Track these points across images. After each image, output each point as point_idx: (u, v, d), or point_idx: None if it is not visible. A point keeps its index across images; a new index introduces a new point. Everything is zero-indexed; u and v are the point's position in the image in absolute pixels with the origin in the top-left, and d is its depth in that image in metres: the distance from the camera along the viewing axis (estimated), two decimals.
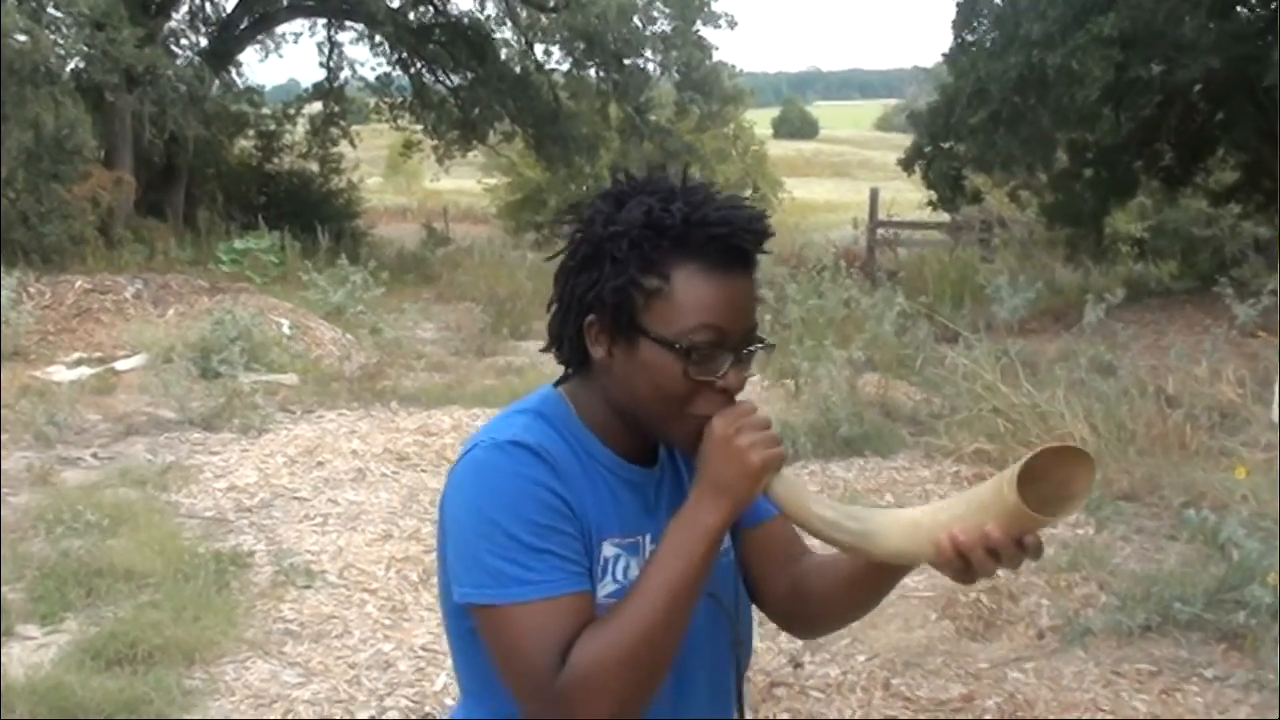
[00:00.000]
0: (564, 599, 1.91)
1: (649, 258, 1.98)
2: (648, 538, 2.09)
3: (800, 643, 6.33)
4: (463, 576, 1.96)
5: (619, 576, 2.04)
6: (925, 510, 2.00)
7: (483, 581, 1.93)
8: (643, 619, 1.89)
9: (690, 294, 1.99)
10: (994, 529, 1.86)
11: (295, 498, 8.92)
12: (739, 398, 2.04)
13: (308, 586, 7.20)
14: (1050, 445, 1.88)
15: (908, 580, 7.04)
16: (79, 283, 16.25)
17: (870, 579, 2.15)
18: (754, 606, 2.33)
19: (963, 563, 1.90)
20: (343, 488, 9.11)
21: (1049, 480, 1.87)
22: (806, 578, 2.24)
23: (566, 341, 2.10)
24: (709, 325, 1.98)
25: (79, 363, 13.52)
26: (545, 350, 2.17)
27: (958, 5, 20.48)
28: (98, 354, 13.97)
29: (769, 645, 6.26)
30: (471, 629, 2.01)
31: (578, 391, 2.13)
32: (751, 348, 2.07)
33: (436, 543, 2.11)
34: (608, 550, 2.04)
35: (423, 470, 9.43)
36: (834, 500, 2.17)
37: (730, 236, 2.00)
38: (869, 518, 2.03)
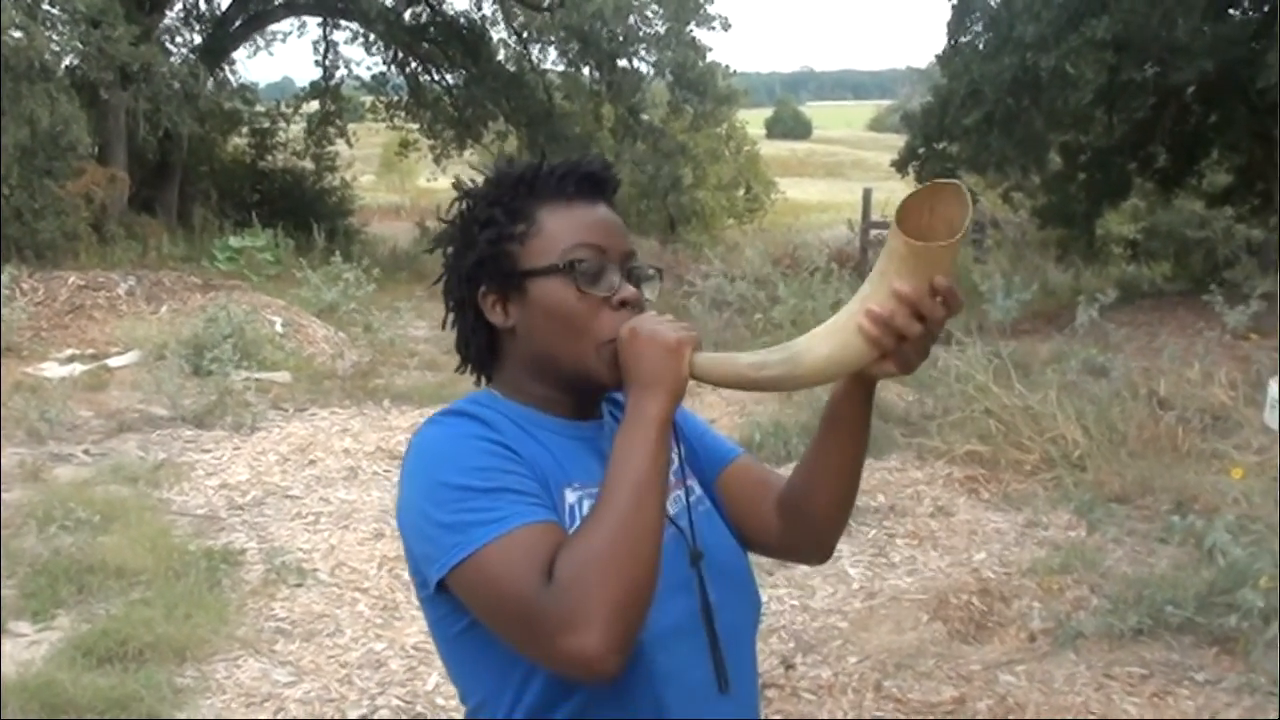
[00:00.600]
0: (533, 527, 1.88)
1: (511, 208, 2.09)
2: None
3: (792, 644, 6.35)
4: (431, 554, 1.93)
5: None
6: (840, 312, 2.01)
7: (448, 544, 1.90)
8: (614, 517, 1.86)
9: (557, 223, 2.08)
10: (900, 284, 1.88)
11: (287, 496, 8.93)
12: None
13: (299, 585, 7.21)
14: (920, 188, 1.92)
15: (900, 582, 7.08)
16: (72, 279, 16.23)
17: (838, 443, 2.16)
18: (764, 554, 2.35)
19: (893, 337, 1.91)
20: (335, 486, 9.12)
21: (938, 220, 1.90)
22: (789, 493, 2.25)
23: (473, 342, 2.17)
24: (584, 244, 2.07)
25: (71, 359, 13.51)
26: (460, 370, 2.25)
27: (952, 7, 20.49)
28: (90, 350, 13.95)
29: (760, 647, 6.25)
30: (460, 630, 2.00)
31: (500, 381, 2.17)
32: (638, 267, 2.13)
33: (408, 569, 2.09)
34: (569, 496, 2.03)
35: None
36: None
37: (580, 169, 2.12)
38: (792, 344, 2.04)
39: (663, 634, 1.96)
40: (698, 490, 2.22)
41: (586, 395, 2.16)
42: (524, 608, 1.83)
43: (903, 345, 1.93)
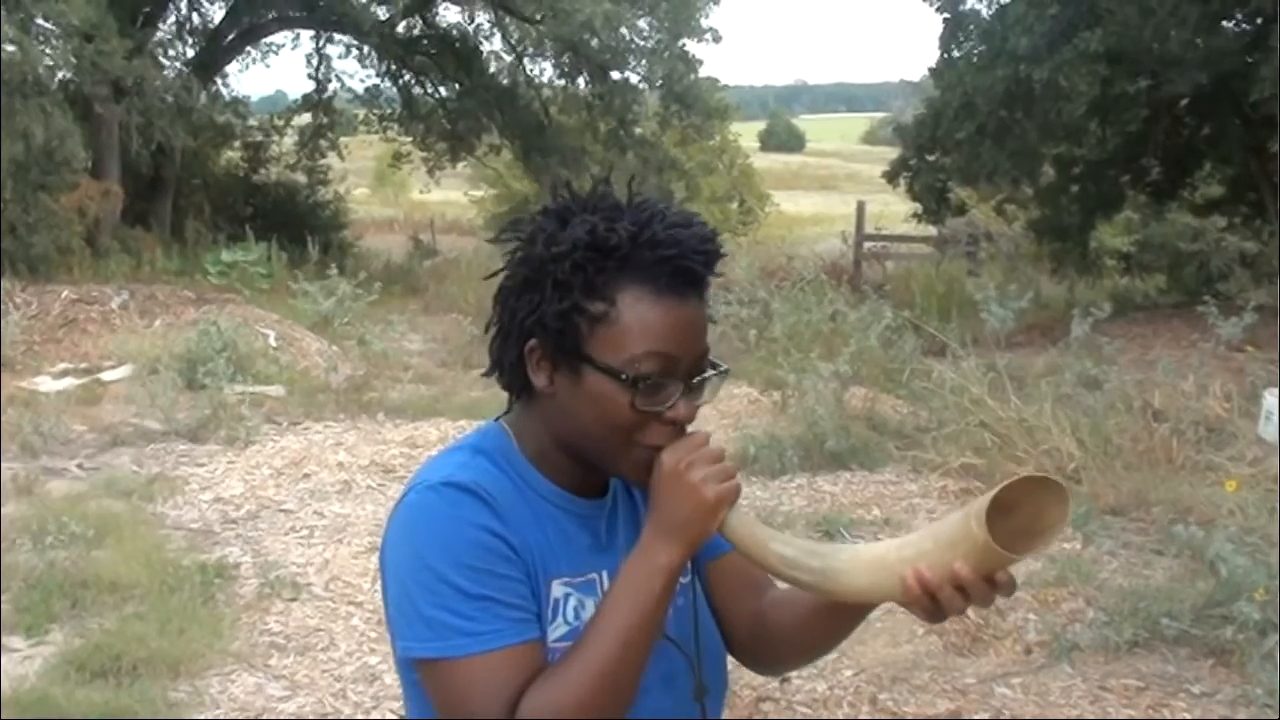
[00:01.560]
0: (510, 650, 1.82)
1: (593, 281, 1.89)
2: (604, 575, 2.01)
3: None
4: (404, 629, 1.88)
5: (570, 618, 1.95)
6: (890, 546, 1.92)
7: (423, 634, 1.84)
8: (595, 665, 1.81)
9: (637, 320, 1.90)
10: (962, 567, 1.79)
11: (281, 509, 8.92)
12: (690, 428, 1.96)
13: (293, 599, 7.20)
14: (1020, 476, 1.80)
15: None
16: (65, 293, 16.23)
17: (834, 616, 2.07)
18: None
19: (930, 601, 1.84)
20: (329, 500, 9.10)
21: (1020, 512, 1.80)
22: (769, 613, 2.16)
23: (508, 367, 2.01)
24: (657, 353, 1.90)
25: (65, 373, 13.50)
26: (487, 375, 2.08)
27: (945, 20, 20.52)
28: (84, 364, 13.95)
29: None
30: (418, 681, 1.94)
31: (520, 423, 2.05)
32: (703, 376, 1.97)
33: (381, 593, 2.04)
34: (557, 590, 1.95)
35: None
36: (792, 536, 2.09)
37: (679, 258, 1.91)
38: (831, 555, 1.95)
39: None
40: (685, 578, 2.11)
41: (601, 476, 2.06)
42: None
43: (936, 605, 1.85)
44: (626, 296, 1.89)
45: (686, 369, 1.93)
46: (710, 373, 1.99)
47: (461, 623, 1.82)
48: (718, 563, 2.15)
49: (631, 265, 1.89)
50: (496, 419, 2.08)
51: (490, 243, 2.14)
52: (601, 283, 1.89)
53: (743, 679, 5.64)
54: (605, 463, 1.98)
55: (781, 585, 2.10)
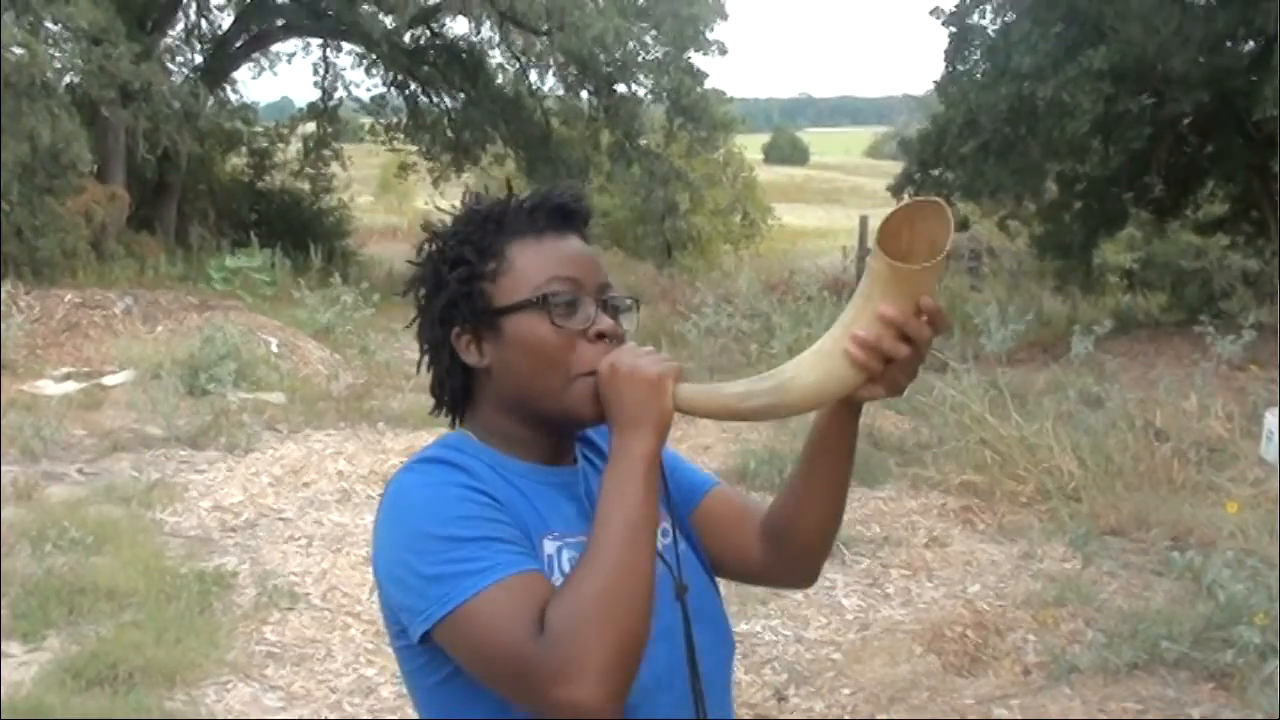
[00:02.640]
0: (520, 575, 1.84)
1: (480, 245, 2.05)
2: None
3: (785, 675, 6.32)
4: (415, 606, 1.88)
5: (566, 569, 1.96)
6: (822, 338, 1.98)
7: (432, 595, 1.84)
8: (606, 562, 1.83)
9: (528, 258, 2.05)
10: (886, 307, 1.86)
11: (280, 518, 8.91)
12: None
13: (291, 609, 7.19)
14: (899, 207, 1.88)
15: (894, 614, 7.06)
16: (69, 297, 16.24)
17: (823, 460, 2.14)
18: (746, 582, 2.36)
19: (880, 361, 1.90)
20: (328, 509, 9.10)
21: (919, 239, 1.87)
22: (773, 519, 2.22)
23: (447, 378, 2.13)
24: (557, 276, 2.03)
25: (67, 377, 13.50)
26: (434, 412, 2.20)
27: (950, 35, 20.52)
28: (86, 369, 13.96)
29: (752, 679, 6.25)
30: (440, 680, 1.95)
31: (474, 420, 2.13)
32: (613, 298, 2.09)
33: (381, 616, 2.06)
34: (549, 546, 1.99)
35: None
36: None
37: (547, 202, 2.09)
38: (778, 372, 2.01)
39: (645, 686, 1.90)
40: (672, 530, 2.18)
41: (563, 435, 2.12)
42: (517, 659, 1.79)
43: (890, 368, 1.91)
44: (513, 246, 2.05)
45: (593, 290, 2.06)
46: (622, 294, 2.13)
47: (466, 565, 1.84)
48: (699, 509, 2.24)
49: (509, 222, 2.07)
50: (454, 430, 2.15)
51: (400, 296, 2.25)
52: (488, 245, 2.05)
53: (740, 698, 5.63)
54: (559, 406, 2.03)
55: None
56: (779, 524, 2.21)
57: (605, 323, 2.04)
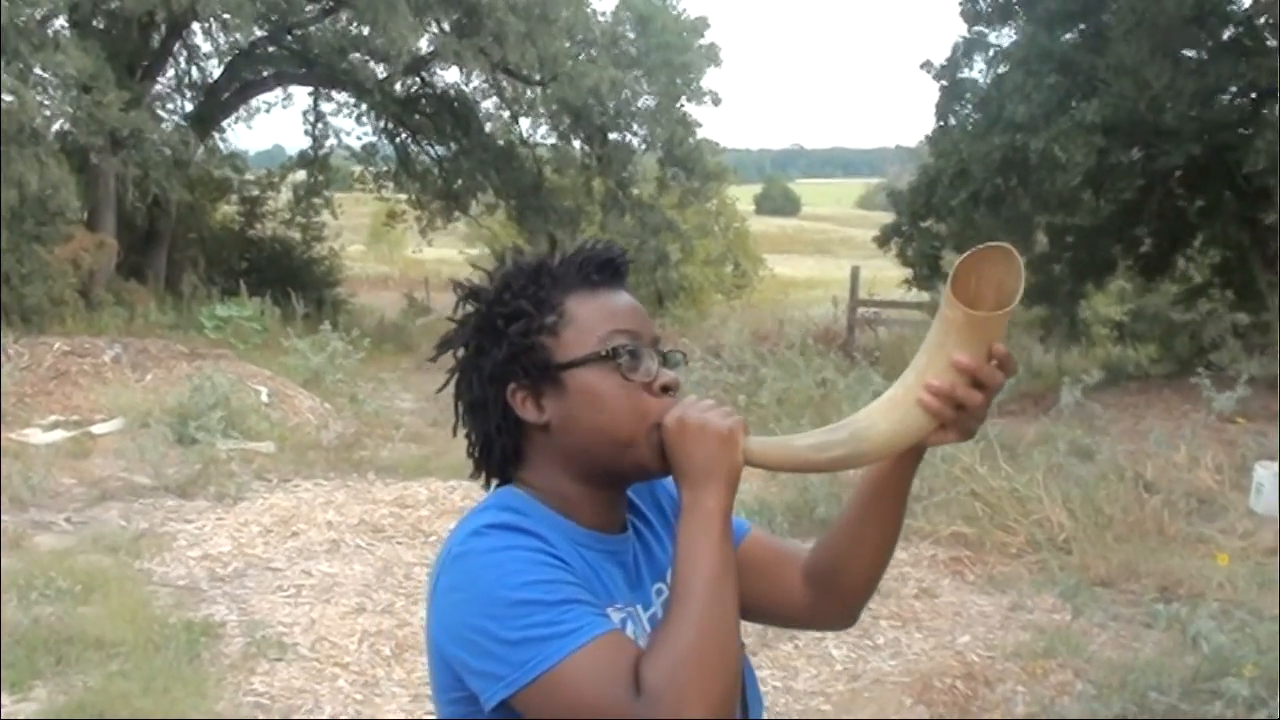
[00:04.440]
0: (608, 636, 1.82)
1: (538, 298, 2.03)
2: (639, 609, 2.03)
3: None
4: (495, 672, 1.82)
5: (631, 637, 1.93)
6: (893, 387, 2.01)
7: (516, 661, 1.80)
8: (695, 616, 1.81)
9: (589, 311, 2.03)
10: (959, 354, 1.89)
11: (269, 568, 8.88)
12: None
13: (279, 659, 7.16)
14: (969, 254, 1.90)
15: (883, 665, 7.04)
16: (58, 345, 16.21)
17: (878, 502, 2.15)
18: (784, 625, 2.37)
19: (953, 408, 1.93)
20: (317, 559, 9.07)
21: (985, 285, 1.90)
22: (819, 563, 2.23)
23: (496, 435, 2.07)
24: (619, 330, 2.01)
25: (55, 425, 13.47)
26: (474, 477, 2.14)
27: (941, 89, 20.61)
28: (74, 417, 13.92)
29: None
30: None
31: (528, 478, 2.07)
32: (669, 351, 2.09)
33: (434, 691, 2.01)
34: (614, 615, 1.94)
35: (398, 543, 9.38)
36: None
37: (597, 256, 2.07)
38: (850, 422, 2.02)
39: None
40: None
41: (621, 493, 2.12)
42: (615, 716, 1.77)
43: (961, 414, 1.95)
44: (570, 300, 2.03)
45: (649, 343, 2.05)
46: (674, 350, 2.12)
47: (552, 629, 1.80)
48: (741, 552, 2.14)
49: (562, 275, 2.05)
50: (498, 486, 2.11)
51: (432, 360, 2.22)
52: (544, 297, 2.03)
53: None
54: (624, 461, 2.02)
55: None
56: (827, 566, 2.21)
57: (669, 375, 2.04)
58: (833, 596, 2.22)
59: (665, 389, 2.02)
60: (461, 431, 2.15)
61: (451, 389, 2.15)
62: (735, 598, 1.87)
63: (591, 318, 2.02)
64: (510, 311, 2.03)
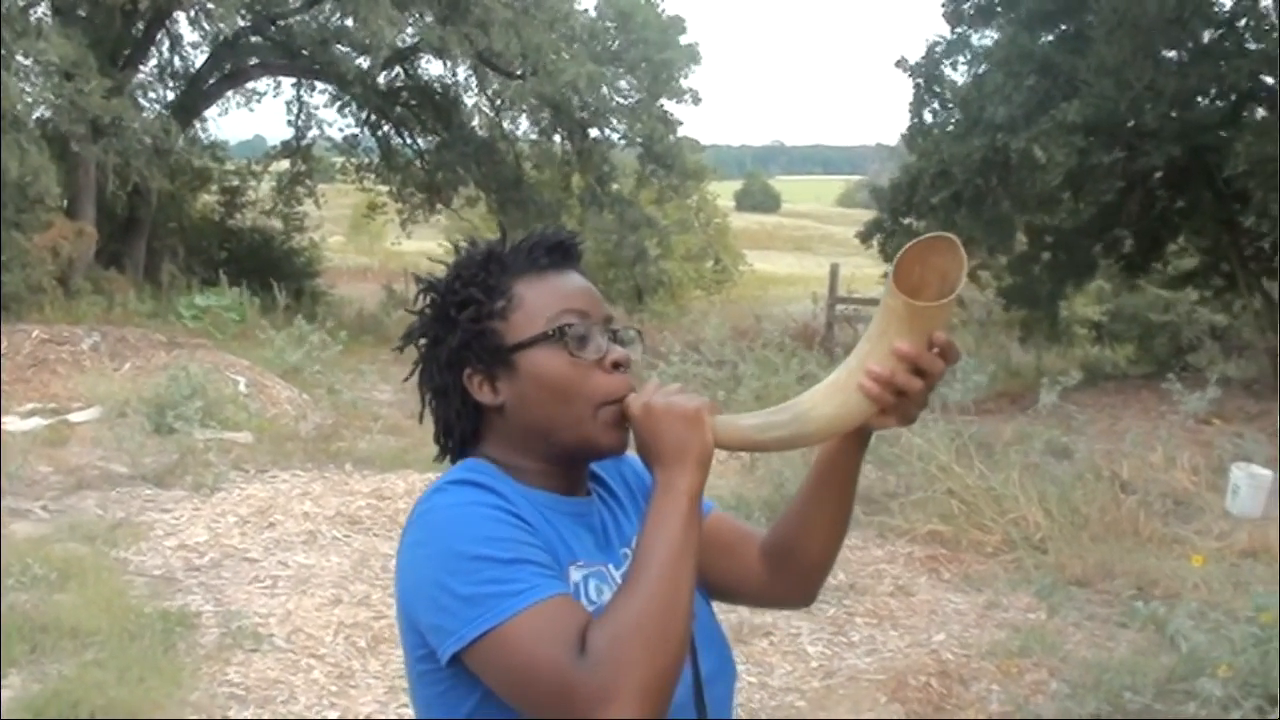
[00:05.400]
0: (558, 598, 1.85)
1: (488, 285, 2.08)
2: (610, 567, 2.08)
3: None
4: (448, 626, 1.86)
5: (593, 597, 1.99)
6: (836, 371, 2.03)
7: (468, 615, 1.83)
8: (648, 590, 1.84)
9: (537, 294, 2.08)
10: (900, 342, 1.91)
11: (245, 558, 8.86)
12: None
13: (255, 650, 7.14)
14: (912, 244, 1.92)
15: (858, 662, 7.05)
16: (36, 332, 16.17)
17: (827, 484, 2.19)
18: (744, 604, 2.40)
19: (893, 394, 1.96)
20: (294, 550, 9.05)
21: (930, 274, 1.92)
22: (776, 541, 2.27)
23: (455, 419, 2.14)
24: (568, 309, 2.06)
25: (32, 413, 13.42)
26: (439, 459, 2.21)
27: (915, 87, 20.69)
28: (52, 405, 13.87)
29: None
30: (471, 707, 1.93)
31: (488, 453, 2.12)
32: (619, 329, 2.14)
33: (404, 649, 2.04)
34: (575, 574, 2.00)
35: (375, 534, 9.36)
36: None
37: (546, 240, 2.12)
38: (794, 404, 2.06)
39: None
40: None
41: (579, 467, 2.14)
42: (558, 681, 1.78)
43: (903, 399, 1.97)
44: (519, 284, 2.09)
45: (600, 321, 2.10)
46: (627, 328, 2.18)
47: (503, 587, 1.83)
48: (703, 531, 2.15)
49: (511, 261, 2.11)
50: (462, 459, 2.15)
51: (398, 351, 2.27)
52: (493, 283, 2.09)
53: None
54: (577, 438, 2.06)
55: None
56: (782, 545, 2.26)
57: (619, 352, 2.07)
58: (788, 575, 2.27)
59: (616, 365, 2.06)
60: (430, 419, 2.21)
61: (418, 378, 2.20)
62: (691, 580, 1.89)
63: (539, 300, 2.07)
64: (461, 299, 2.09)
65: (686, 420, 1.98)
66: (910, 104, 20.91)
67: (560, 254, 2.13)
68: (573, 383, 2.03)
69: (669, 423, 1.98)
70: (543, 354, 2.04)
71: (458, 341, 2.09)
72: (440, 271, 2.19)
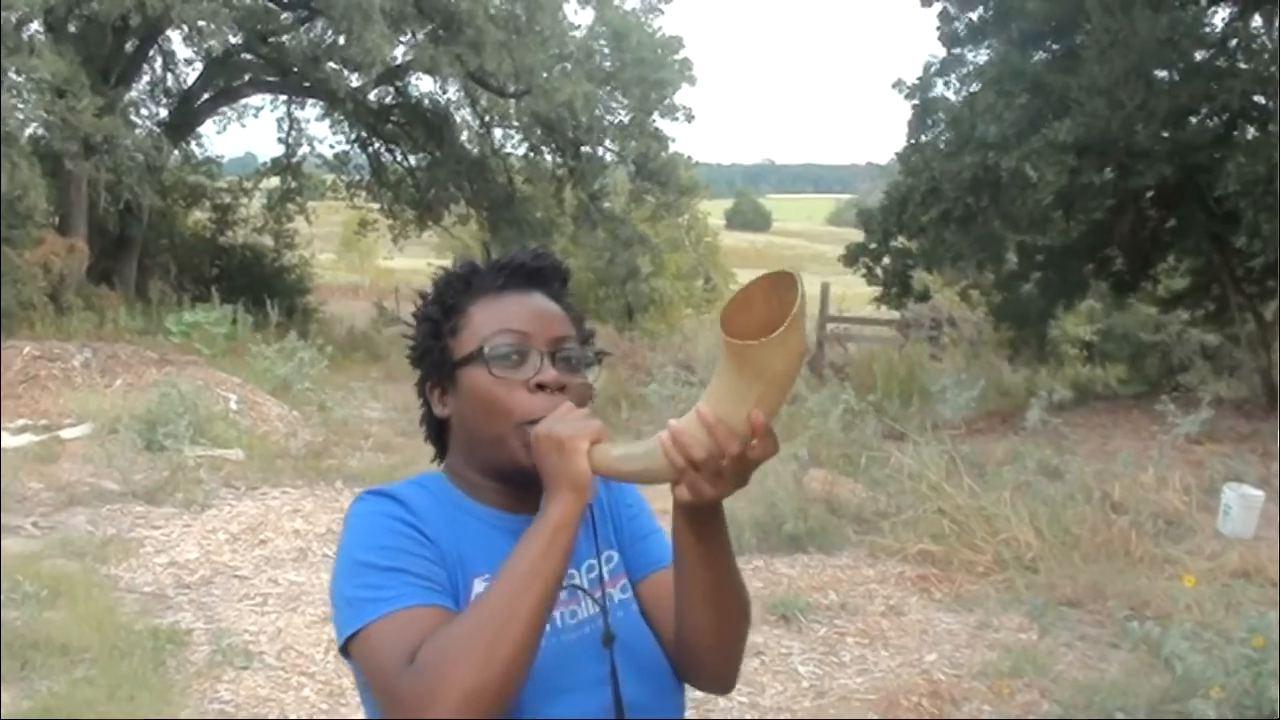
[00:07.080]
0: (415, 609, 1.92)
1: (449, 305, 2.20)
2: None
3: None
4: (337, 623, 2.00)
5: None
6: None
7: (347, 616, 1.96)
8: (484, 608, 1.87)
9: (483, 314, 2.16)
10: (703, 405, 1.85)
11: (236, 576, 8.85)
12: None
13: (245, 667, 7.12)
14: (754, 280, 1.84)
15: (849, 682, 7.05)
16: (27, 349, 16.14)
17: (680, 553, 2.06)
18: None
19: (685, 458, 1.86)
20: (284, 567, 9.04)
21: (776, 313, 1.76)
22: (676, 622, 2.15)
23: (428, 432, 2.32)
24: (505, 330, 2.12)
25: (23, 429, 13.40)
26: (433, 460, 2.34)
27: (913, 108, 20.66)
28: (43, 421, 13.85)
29: None
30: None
31: (448, 465, 2.25)
32: (570, 352, 2.16)
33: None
34: (478, 586, 2.03)
35: None
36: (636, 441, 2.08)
37: (511, 264, 2.21)
38: (655, 437, 1.93)
39: None
40: (627, 593, 2.23)
41: (516, 484, 2.12)
42: (388, 686, 1.86)
43: (692, 468, 1.89)
44: (475, 305, 2.18)
45: (544, 343, 2.13)
46: (583, 349, 2.22)
47: (373, 592, 1.95)
48: (645, 583, 2.26)
49: (477, 284, 2.21)
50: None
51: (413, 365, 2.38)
52: (455, 304, 2.20)
53: None
54: (497, 456, 2.11)
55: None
56: (679, 628, 2.15)
57: (548, 374, 2.09)
58: (691, 657, 2.16)
59: (541, 386, 2.09)
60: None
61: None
62: (538, 603, 1.87)
63: (483, 320, 2.15)
64: (423, 315, 2.25)
65: (557, 447, 1.96)
66: (909, 124, 20.91)
67: (523, 276, 2.21)
68: (495, 400, 2.09)
69: (545, 449, 1.98)
70: (473, 372, 2.12)
71: (418, 354, 2.25)
72: None
